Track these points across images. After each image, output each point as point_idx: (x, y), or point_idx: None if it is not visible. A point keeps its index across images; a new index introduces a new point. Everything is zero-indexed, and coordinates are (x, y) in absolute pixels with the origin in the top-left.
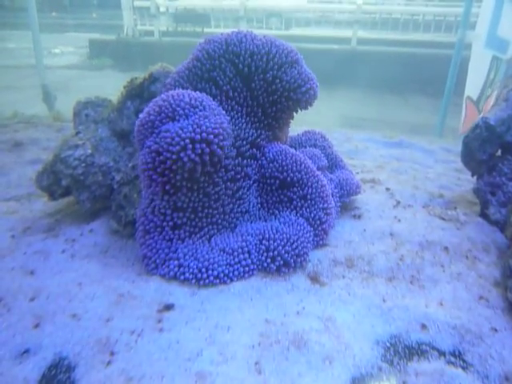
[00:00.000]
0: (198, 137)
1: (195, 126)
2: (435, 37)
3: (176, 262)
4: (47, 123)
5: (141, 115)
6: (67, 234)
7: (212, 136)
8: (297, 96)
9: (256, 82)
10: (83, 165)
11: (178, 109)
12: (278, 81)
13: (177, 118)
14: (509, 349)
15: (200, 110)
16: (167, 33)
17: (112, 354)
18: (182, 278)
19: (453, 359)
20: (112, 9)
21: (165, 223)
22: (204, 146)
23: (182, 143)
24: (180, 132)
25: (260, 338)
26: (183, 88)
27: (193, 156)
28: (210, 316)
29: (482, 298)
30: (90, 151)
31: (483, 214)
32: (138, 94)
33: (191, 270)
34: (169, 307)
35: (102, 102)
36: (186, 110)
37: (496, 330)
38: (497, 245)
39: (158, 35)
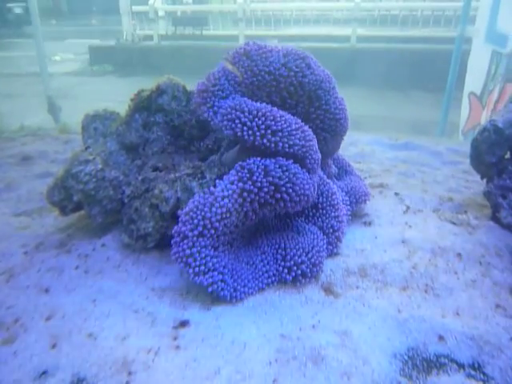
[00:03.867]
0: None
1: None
2: (434, 32)
3: (220, 277)
4: (54, 135)
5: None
6: (80, 249)
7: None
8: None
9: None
10: (94, 180)
11: (312, 161)
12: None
13: (307, 166)
14: None
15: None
16: (166, 37)
17: (130, 374)
18: (222, 294)
19: (473, 372)
20: (111, 14)
21: (222, 233)
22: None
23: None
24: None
25: (277, 354)
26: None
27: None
28: (225, 332)
29: (499, 307)
30: (100, 166)
31: (494, 218)
32: (146, 106)
33: (229, 288)
34: (184, 324)
35: (110, 115)
36: (315, 165)
37: None
38: (510, 249)
39: (157, 39)
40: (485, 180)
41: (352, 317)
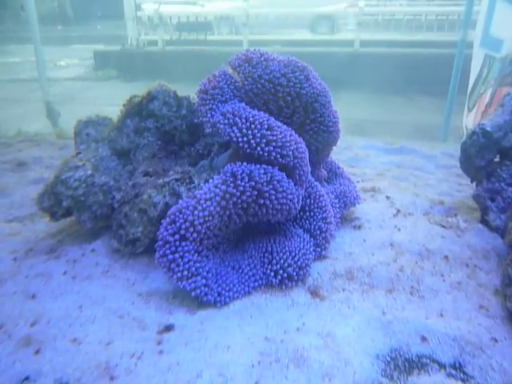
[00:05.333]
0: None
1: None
2: (438, 36)
3: (204, 281)
4: (50, 141)
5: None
6: (69, 254)
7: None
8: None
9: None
10: (83, 185)
11: (301, 173)
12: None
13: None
14: (509, 359)
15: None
16: (171, 42)
17: (112, 378)
18: (205, 298)
19: (453, 372)
20: (116, 20)
21: (205, 236)
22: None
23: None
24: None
25: (260, 356)
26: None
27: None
28: (209, 336)
29: (482, 308)
30: (90, 172)
31: (483, 221)
32: (137, 112)
33: (212, 293)
34: (169, 328)
35: (102, 121)
36: (304, 178)
37: (496, 341)
38: (497, 251)
39: (161, 44)
40: (475, 184)
41: (337, 319)
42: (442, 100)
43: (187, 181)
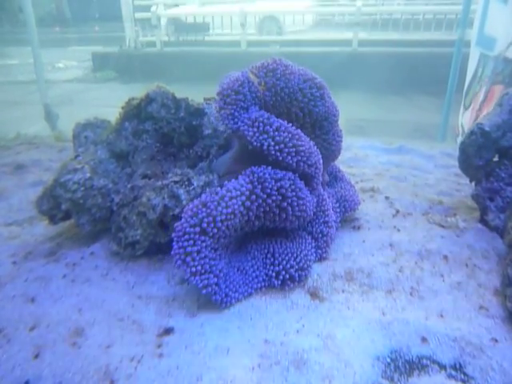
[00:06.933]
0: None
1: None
2: (436, 35)
3: (215, 280)
4: (49, 143)
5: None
6: (68, 257)
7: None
8: None
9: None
10: (82, 188)
11: (318, 182)
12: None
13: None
14: (509, 360)
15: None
16: (169, 43)
17: (112, 382)
18: (214, 298)
19: (453, 372)
20: (114, 21)
21: (223, 234)
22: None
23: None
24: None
25: (260, 359)
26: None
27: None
28: (209, 338)
29: (482, 308)
30: (88, 174)
31: (483, 220)
32: (136, 114)
33: (221, 293)
34: (168, 331)
35: (101, 124)
36: (319, 186)
37: (496, 341)
38: (497, 251)
39: (159, 46)
40: (474, 183)
41: (336, 320)
42: (441, 99)
43: (186, 183)
